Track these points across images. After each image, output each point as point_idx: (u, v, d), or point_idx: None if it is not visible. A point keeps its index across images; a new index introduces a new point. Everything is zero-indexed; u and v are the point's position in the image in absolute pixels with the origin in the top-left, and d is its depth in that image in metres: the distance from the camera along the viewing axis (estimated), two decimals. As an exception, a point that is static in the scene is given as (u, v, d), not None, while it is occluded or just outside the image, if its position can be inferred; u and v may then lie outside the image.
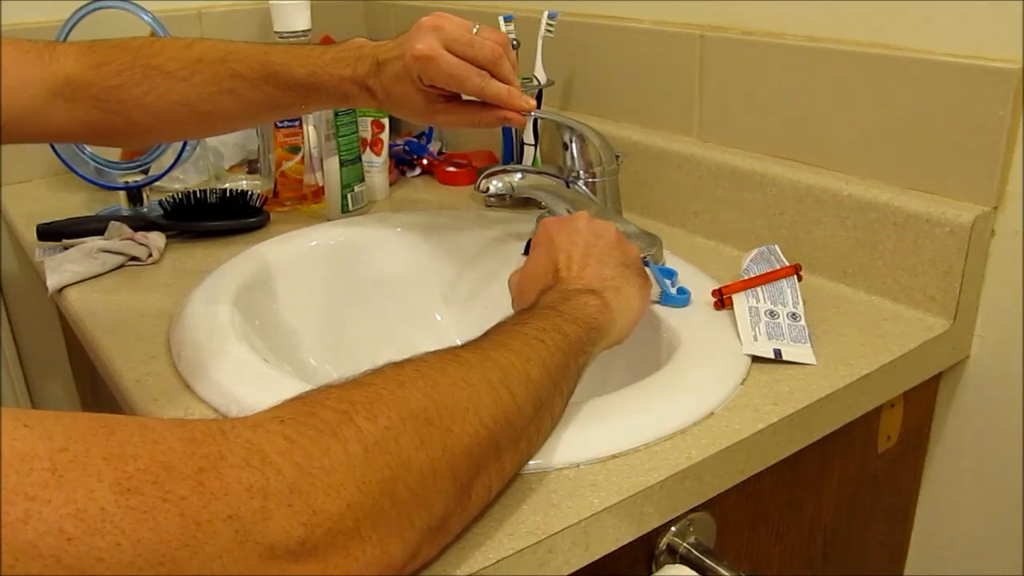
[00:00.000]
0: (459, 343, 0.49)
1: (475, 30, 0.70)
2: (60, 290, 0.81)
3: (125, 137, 0.73)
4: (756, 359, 0.62)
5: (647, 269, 0.69)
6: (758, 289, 0.67)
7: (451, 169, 1.09)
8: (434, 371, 0.44)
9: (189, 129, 0.75)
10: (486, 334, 0.51)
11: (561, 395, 0.51)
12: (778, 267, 0.69)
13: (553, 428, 0.52)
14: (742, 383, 0.60)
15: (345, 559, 0.35)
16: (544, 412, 0.49)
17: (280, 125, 0.99)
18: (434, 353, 0.46)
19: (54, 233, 0.90)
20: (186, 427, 0.34)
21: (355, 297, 0.87)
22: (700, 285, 0.72)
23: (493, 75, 0.70)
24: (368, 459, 0.37)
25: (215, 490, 0.32)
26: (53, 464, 0.29)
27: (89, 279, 0.82)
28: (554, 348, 0.50)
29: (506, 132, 1.03)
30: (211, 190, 0.94)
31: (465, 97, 0.73)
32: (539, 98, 0.95)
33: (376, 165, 1.03)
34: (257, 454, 0.34)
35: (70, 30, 0.98)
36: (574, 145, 0.81)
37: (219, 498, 0.32)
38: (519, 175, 0.80)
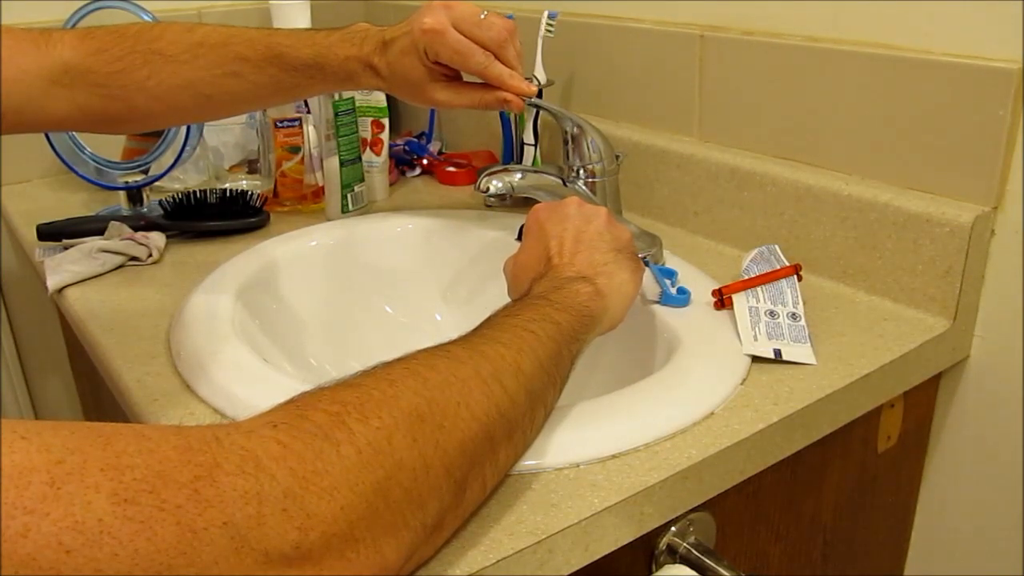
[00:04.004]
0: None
1: (483, 15, 0.71)
2: (60, 290, 0.81)
3: (127, 123, 0.73)
4: (756, 359, 0.62)
5: (648, 268, 0.69)
6: (758, 289, 0.67)
7: (451, 169, 1.09)
8: (424, 368, 0.44)
9: (192, 113, 0.74)
10: (477, 328, 0.51)
11: (554, 385, 0.51)
12: (778, 267, 0.69)
13: (547, 418, 0.52)
14: (742, 383, 0.60)
15: (340, 562, 0.35)
16: (537, 403, 0.49)
17: (280, 125, 0.99)
18: (424, 350, 0.46)
19: (54, 233, 0.90)
20: (181, 435, 0.34)
21: (355, 297, 0.87)
22: (700, 285, 0.72)
23: (497, 58, 0.71)
24: (361, 461, 0.37)
25: (210, 498, 0.32)
26: (51, 477, 0.30)
27: (89, 279, 0.82)
28: (546, 338, 0.50)
29: (506, 132, 1.03)
30: (211, 190, 0.94)
31: (467, 79, 0.74)
32: (539, 98, 0.95)
33: (376, 165, 1.03)
34: (251, 460, 0.34)
35: (70, 30, 0.98)
36: (574, 139, 0.81)
37: (215, 505, 0.32)
38: (519, 175, 0.80)
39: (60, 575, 0.29)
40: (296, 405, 0.39)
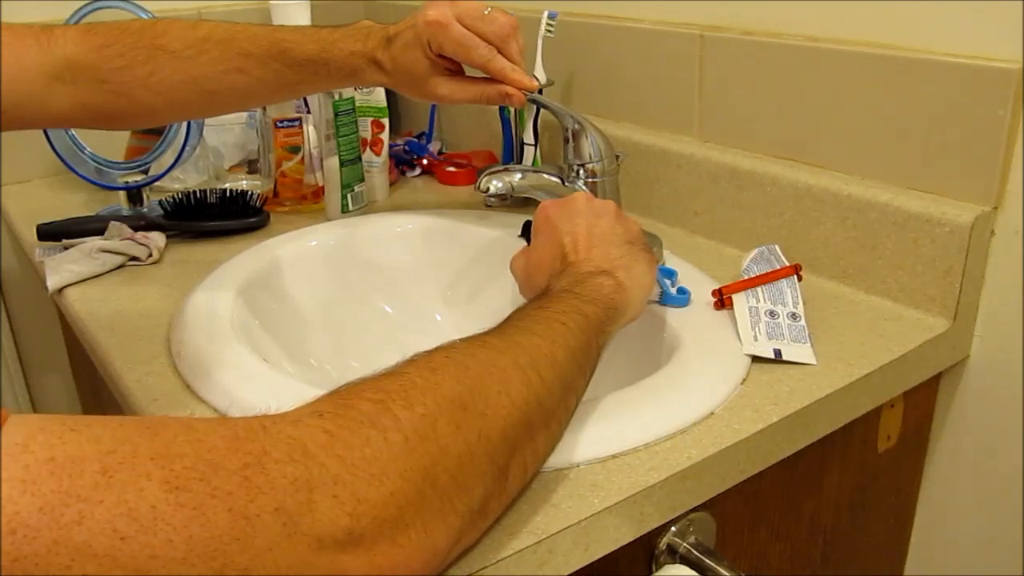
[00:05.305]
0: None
1: (487, 11, 0.72)
2: (60, 290, 0.81)
3: (129, 119, 0.73)
4: (756, 359, 0.62)
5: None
6: (758, 289, 0.67)
7: (451, 169, 1.09)
8: (464, 357, 0.45)
9: (195, 109, 0.75)
10: (508, 320, 0.52)
11: (584, 375, 0.52)
12: (778, 267, 0.69)
13: (576, 408, 0.52)
14: (742, 383, 0.60)
15: (391, 546, 0.36)
16: (570, 392, 0.50)
17: (280, 125, 0.99)
18: (462, 340, 0.47)
19: (54, 233, 0.90)
20: (228, 425, 0.35)
21: (355, 297, 0.87)
22: (700, 285, 0.72)
23: (500, 52, 0.72)
24: (408, 447, 0.38)
25: (261, 484, 0.33)
26: (103, 466, 0.30)
27: (89, 279, 0.82)
28: (576, 329, 0.51)
29: (506, 132, 1.03)
30: (211, 190, 0.94)
31: (469, 74, 0.75)
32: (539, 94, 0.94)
33: (376, 165, 1.03)
34: (299, 448, 0.35)
35: (70, 30, 0.98)
36: (575, 135, 0.81)
37: (266, 492, 0.33)
38: (519, 175, 0.80)
39: (116, 561, 0.29)
40: (340, 395, 0.40)
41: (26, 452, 0.29)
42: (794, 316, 0.65)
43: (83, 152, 1.02)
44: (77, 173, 1.02)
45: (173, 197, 0.93)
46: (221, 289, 0.74)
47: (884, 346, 0.65)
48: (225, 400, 0.59)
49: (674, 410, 0.56)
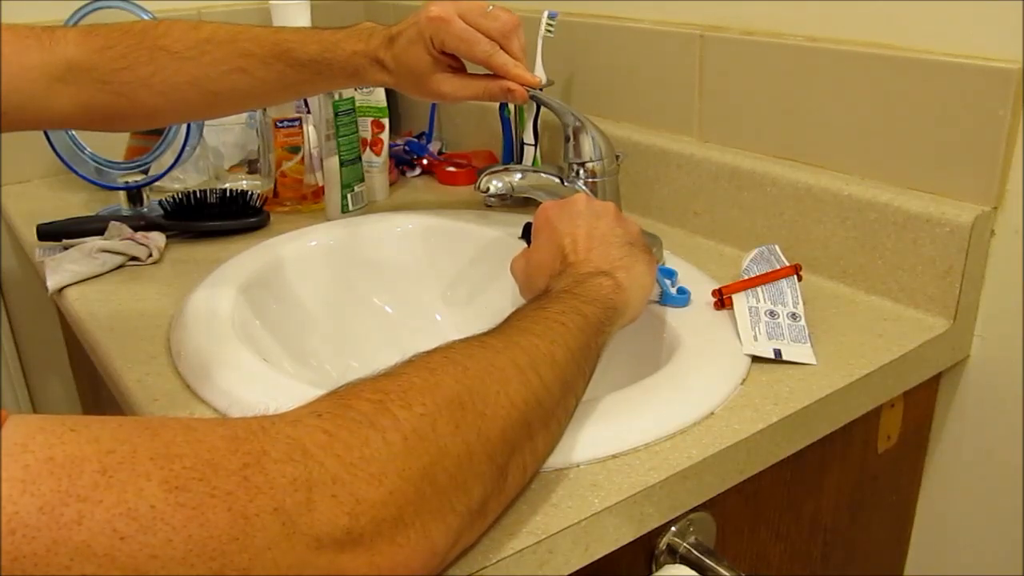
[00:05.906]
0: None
1: (489, 8, 0.72)
2: (60, 290, 0.81)
3: (131, 120, 0.73)
4: (756, 359, 0.62)
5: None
6: (758, 289, 0.67)
7: (451, 169, 1.09)
8: (463, 357, 0.45)
9: (197, 110, 0.75)
10: (507, 320, 0.52)
11: (583, 376, 0.52)
12: (778, 267, 0.69)
13: (576, 408, 0.52)
14: (742, 383, 0.60)
15: (390, 546, 0.36)
16: (569, 392, 0.50)
17: (280, 125, 0.99)
18: (460, 341, 0.47)
19: (54, 233, 0.90)
20: (227, 425, 0.35)
21: (354, 297, 0.87)
22: (700, 285, 0.72)
23: (502, 48, 0.72)
24: (407, 447, 0.38)
25: (260, 484, 0.33)
26: (102, 466, 0.30)
27: (89, 279, 0.82)
28: (575, 330, 0.51)
29: (506, 132, 1.03)
30: (211, 190, 0.94)
31: (471, 71, 0.75)
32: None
33: (376, 165, 1.03)
34: (298, 449, 0.35)
35: (70, 30, 0.98)
36: (575, 133, 0.81)
37: (265, 492, 0.33)
38: (519, 175, 0.80)
39: (115, 561, 0.29)
40: (339, 395, 0.40)
41: (26, 452, 0.29)
42: (794, 316, 0.65)
43: (83, 152, 1.02)
44: (77, 173, 1.02)
45: (173, 197, 0.93)
46: (221, 289, 0.74)
47: (884, 346, 0.65)
48: (225, 400, 0.59)
49: (674, 410, 0.56)
